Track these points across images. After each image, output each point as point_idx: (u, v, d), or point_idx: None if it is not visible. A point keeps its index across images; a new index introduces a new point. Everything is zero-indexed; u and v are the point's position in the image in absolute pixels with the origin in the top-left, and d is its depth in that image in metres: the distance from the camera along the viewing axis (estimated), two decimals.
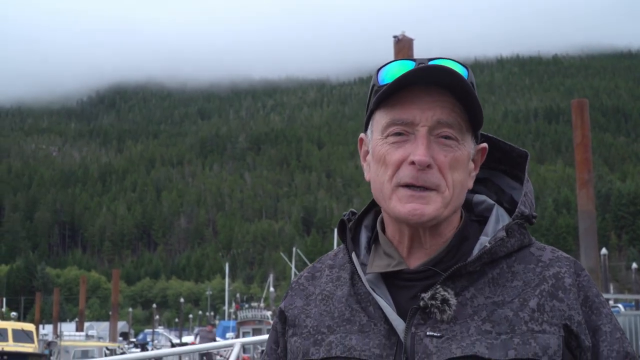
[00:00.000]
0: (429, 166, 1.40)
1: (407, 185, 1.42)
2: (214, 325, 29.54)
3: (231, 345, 7.14)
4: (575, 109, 16.27)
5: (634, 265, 68.18)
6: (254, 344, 20.05)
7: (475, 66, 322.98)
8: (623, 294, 54.49)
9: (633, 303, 43.44)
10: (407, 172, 1.41)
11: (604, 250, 45.58)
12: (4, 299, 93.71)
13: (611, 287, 57.13)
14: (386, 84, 1.44)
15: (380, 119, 1.47)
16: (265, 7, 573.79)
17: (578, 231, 16.52)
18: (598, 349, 1.42)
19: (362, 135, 1.58)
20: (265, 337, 14.35)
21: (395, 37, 12.41)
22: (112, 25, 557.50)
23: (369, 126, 1.53)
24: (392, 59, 11.55)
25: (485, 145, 1.54)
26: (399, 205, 1.43)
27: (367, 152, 1.55)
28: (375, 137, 1.49)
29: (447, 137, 1.42)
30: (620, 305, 34.95)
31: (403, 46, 12.28)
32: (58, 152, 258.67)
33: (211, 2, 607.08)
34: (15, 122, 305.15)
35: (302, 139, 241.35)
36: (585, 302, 1.44)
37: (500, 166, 1.62)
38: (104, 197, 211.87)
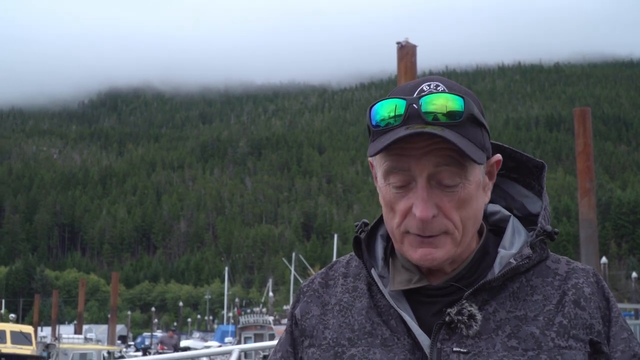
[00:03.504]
0: (433, 216, 1.40)
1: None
2: (174, 331, 29.43)
3: (229, 352, 7.09)
4: (578, 117, 16.24)
5: (634, 274, 68.17)
6: (254, 350, 20.03)
7: (476, 73, 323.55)
8: (622, 303, 54.42)
9: (633, 312, 43.39)
10: (413, 222, 1.41)
11: (603, 259, 45.60)
12: (3, 301, 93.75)
13: None
14: (381, 127, 1.42)
15: (380, 161, 1.47)
16: (268, 13, 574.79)
17: (578, 239, 16.50)
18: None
19: (370, 159, 1.55)
20: (265, 344, 14.31)
21: (398, 43, 12.37)
22: (115, 28, 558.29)
23: (373, 159, 1.51)
24: (395, 64, 11.52)
25: (499, 157, 1.52)
26: (411, 250, 1.43)
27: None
28: (379, 177, 1.48)
29: (449, 185, 1.41)
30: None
31: (406, 52, 12.24)
32: (59, 154, 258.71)
33: (214, 7, 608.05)
34: (16, 124, 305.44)
35: (303, 144, 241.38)
36: (605, 310, 1.44)
37: (512, 174, 1.61)
38: (104, 200, 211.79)
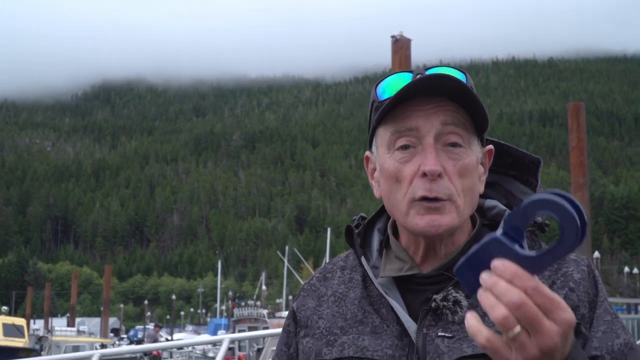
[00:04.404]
0: (439, 175, 1.41)
1: (422, 198, 1.42)
2: (160, 327, 29.47)
3: (220, 341, 7.11)
4: (572, 112, 16.27)
5: (626, 269, 68.45)
6: (243, 339, 20.08)
7: (470, 68, 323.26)
8: (615, 297, 54.62)
9: (625, 307, 43.57)
10: (419, 185, 1.42)
11: (596, 254, 45.74)
12: None
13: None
14: (387, 99, 1.45)
15: (384, 133, 1.47)
16: (261, 5, 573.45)
17: None
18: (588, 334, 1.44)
19: (367, 153, 1.58)
20: (254, 333, 14.35)
21: (393, 36, 12.37)
22: (109, 21, 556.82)
23: (373, 143, 1.53)
24: (389, 58, 11.54)
25: (491, 147, 1.54)
26: (417, 218, 1.43)
27: (374, 170, 1.56)
28: (381, 154, 1.49)
29: (454, 145, 1.43)
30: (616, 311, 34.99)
31: (401, 46, 12.23)
32: (52, 147, 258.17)
33: (207, 0, 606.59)
34: (9, 117, 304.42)
35: (296, 137, 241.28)
36: (593, 297, 1.45)
37: (510, 171, 1.63)
38: (97, 193, 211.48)
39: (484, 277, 1.02)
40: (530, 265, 1.00)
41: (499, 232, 1.02)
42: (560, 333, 1.01)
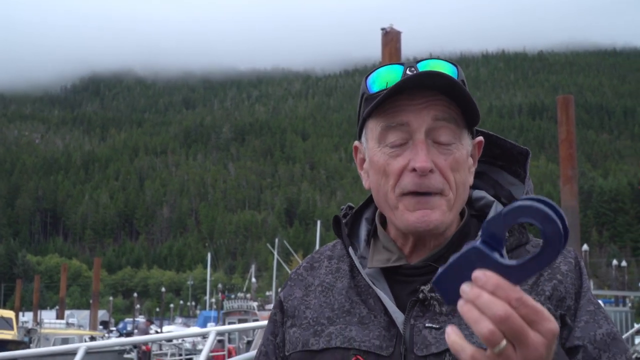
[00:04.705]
0: (430, 171, 1.39)
1: (411, 193, 1.41)
2: (151, 322, 29.45)
3: (206, 333, 7.10)
4: (561, 104, 16.30)
5: (614, 261, 68.74)
6: (230, 332, 20.08)
7: (460, 61, 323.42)
8: (603, 290, 54.86)
9: (612, 299, 43.77)
10: (409, 179, 1.41)
11: (585, 247, 45.88)
12: None
13: (591, 284, 57.43)
14: (377, 92, 1.43)
15: (374, 126, 1.46)
16: None
17: None
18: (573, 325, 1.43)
19: (356, 143, 1.56)
20: (242, 325, 14.32)
21: (383, 29, 12.34)
22: (98, 13, 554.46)
23: (363, 134, 1.51)
24: (379, 51, 11.51)
25: (481, 139, 1.53)
26: (407, 213, 1.42)
27: (363, 160, 1.54)
28: (371, 146, 1.47)
29: (445, 140, 1.41)
30: (600, 302, 35.20)
31: (391, 39, 12.21)
32: (41, 139, 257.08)
33: None
34: None
35: (286, 130, 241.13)
36: (578, 288, 1.45)
37: (498, 162, 1.62)
38: (86, 185, 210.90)
39: (465, 289, 0.98)
40: (513, 275, 0.97)
41: (477, 240, 0.99)
42: (545, 344, 0.98)
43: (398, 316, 1.43)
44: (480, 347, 0.99)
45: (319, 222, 60.74)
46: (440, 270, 1.00)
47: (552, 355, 1.02)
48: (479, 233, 1.00)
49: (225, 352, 22.43)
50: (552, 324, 0.99)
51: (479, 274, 0.97)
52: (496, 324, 0.95)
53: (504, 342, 0.96)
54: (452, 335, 0.99)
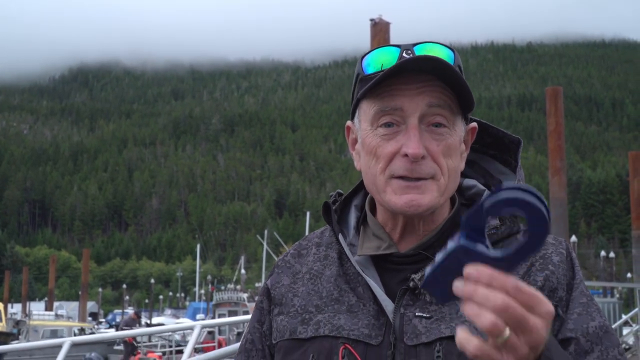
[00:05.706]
0: (422, 157, 1.38)
1: (401, 177, 1.40)
2: (138, 316, 29.44)
3: (191, 327, 7.11)
4: (550, 96, 16.34)
5: (602, 253, 69.10)
6: (215, 326, 20.10)
7: None
8: (591, 281, 55.11)
9: (601, 290, 44.02)
10: (400, 164, 1.39)
11: (573, 238, 46.02)
12: None
13: None
14: (372, 73, 1.42)
15: (367, 108, 1.44)
16: None
17: None
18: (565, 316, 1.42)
19: (349, 123, 1.54)
20: (228, 319, 14.32)
21: (372, 20, 12.35)
22: (86, 3, 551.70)
23: (356, 115, 1.50)
24: (368, 42, 11.50)
25: (474, 125, 1.52)
26: (395, 197, 1.41)
27: (355, 141, 1.53)
28: (364, 127, 1.46)
29: (438, 125, 1.40)
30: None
31: (380, 29, 12.21)
32: (29, 130, 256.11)
33: None
34: None
35: (276, 121, 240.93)
36: (570, 279, 1.44)
37: (490, 151, 1.61)
38: (75, 176, 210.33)
39: (459, 286, 0.98)
40: (503, 265, 0.97)
41: (459, 237, 0.99)
42: (545, 327, 1.00)
43: (388, 305, 1.41)
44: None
45: (308, 213, 60.79)
46: (427, 272, 1.00)
47: (547, 335, 1.04)
48: (460, 226, 1.00)
49: (216, 344, 22.46)
50: (549, 306, 1.00)
51: (470, 269, 0.97)
52: (497, 314, 0.96)
53: (507, 331, 0.97)
54: (460, 332, 1.00)
